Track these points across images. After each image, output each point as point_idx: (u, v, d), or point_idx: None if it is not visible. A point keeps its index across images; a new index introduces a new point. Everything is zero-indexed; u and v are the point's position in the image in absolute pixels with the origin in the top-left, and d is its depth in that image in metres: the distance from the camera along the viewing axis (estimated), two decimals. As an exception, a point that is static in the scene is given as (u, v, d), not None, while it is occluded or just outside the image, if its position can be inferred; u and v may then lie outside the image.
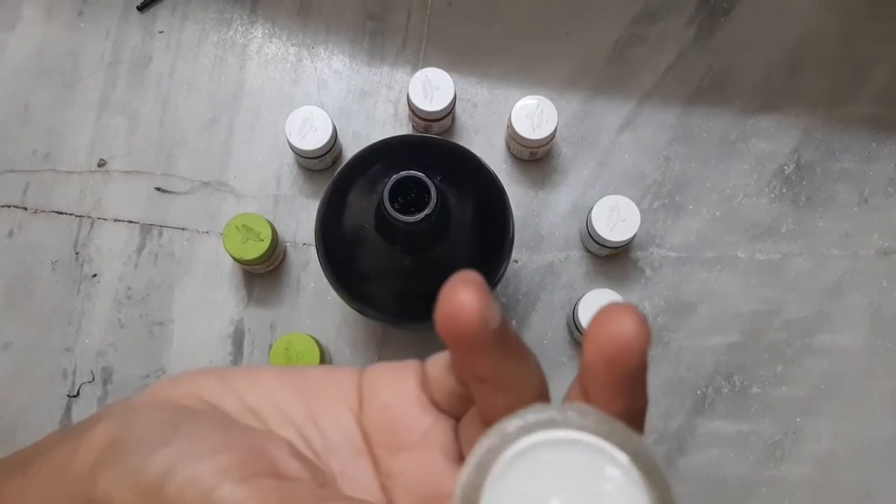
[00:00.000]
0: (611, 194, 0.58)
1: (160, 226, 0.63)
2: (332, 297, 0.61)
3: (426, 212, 0.43)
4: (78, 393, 0.61)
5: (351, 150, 0.64)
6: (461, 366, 0.22)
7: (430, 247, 0.47)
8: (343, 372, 0.26)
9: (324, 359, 0.58)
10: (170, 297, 0.62)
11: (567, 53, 0.65)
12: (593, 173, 0.64)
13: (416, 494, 0.24)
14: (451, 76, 0.59)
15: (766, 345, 0.61)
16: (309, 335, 0.57)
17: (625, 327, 0.20)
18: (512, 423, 0.19)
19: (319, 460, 0.25)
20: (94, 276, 0.62)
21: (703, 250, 0.63)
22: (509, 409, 0.22)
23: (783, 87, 0.65)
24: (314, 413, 0.25)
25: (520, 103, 0.59)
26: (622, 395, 0.21)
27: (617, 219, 0.58)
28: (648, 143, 0.64)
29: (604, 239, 0.58)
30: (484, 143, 0.64)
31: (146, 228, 0.63)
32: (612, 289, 0.60)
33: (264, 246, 0.57)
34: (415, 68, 0.64)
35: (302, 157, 0.61)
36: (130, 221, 0.63)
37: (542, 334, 0.61)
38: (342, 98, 0.65)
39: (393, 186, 0.44)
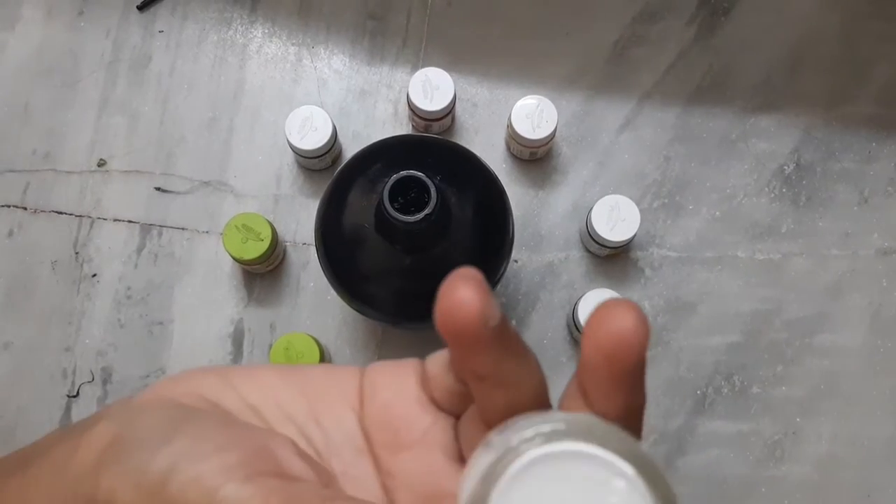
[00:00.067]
0: (611, 194, 0.58)
1: (160, 226, 0.63)
2: (331, 297, 0.61)
3: (426, 211, 0.43)
4: (78, 393, 0.61)
5: (351, 149, 0.64)
6: (460, 364, 0.22)
7: (430, 246, 0.47)
8: (344, 371, 0.26)
9: (323, 359, 0.58)
10: (170, 296, 0.62)
11: (567, 53, 0.65)
12: (593, 173, 0.63)
13: (417, 493, 0.24)
14: (451, 76, 0.59)
15: (766, 345, 0.61)
16: (309, 335, 0.57)
17: (624, 323, 0.20)
18: (516, 436, 0.19)
19: (321, 460, 0.25)
20: (94, 275, 0.62)
21: (703, 250, 0.63)
22: (509, 408, 0.22)
23: (783, 86, 0.65)
24: (316, 412, 0.25)
25: (520, 103, 0.59)
26: (621, 391, 0.21)
27: (617, 218, 0.58)
28: (648, 143, 0.64)
29: (604, 239, 0.58)
30: (484, 142, 0.64)
31: (146, 228, 0.63)
32: (612, 289, 0.60)
33: (264, 246, 0.57)
34: (415, 68, 0.64)
35: (302, 156, 0.61)
36: (130, 221, 0.63)
37: (541, 334, 0.61)
38: (342, 98, 0.65)
39: (393, 186, 0.44)
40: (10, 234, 0.63)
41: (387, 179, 0.44)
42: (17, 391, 0.61)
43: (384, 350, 0.62)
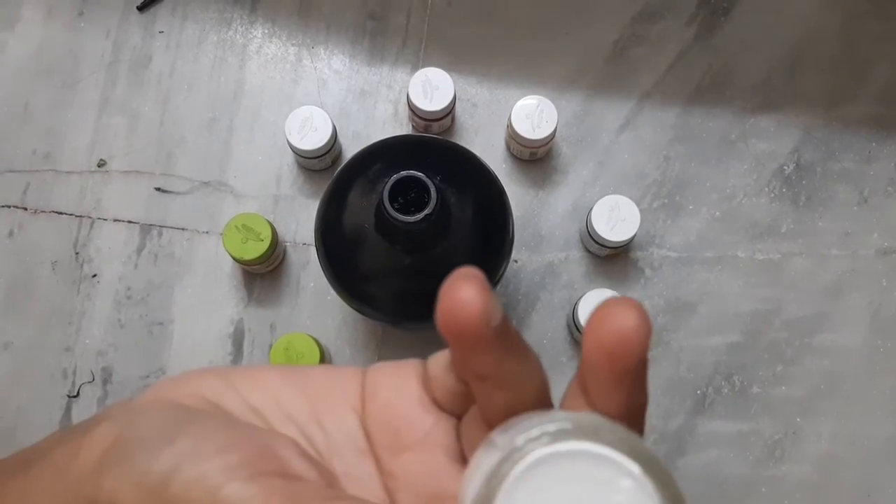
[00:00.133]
0: (611, 194, 0.58)
1: (160, 226, 0.63)
2: (331, 297, 0.61)
3: (426, 211, 0.43)
4: (78, 393, 0.61)
5: (351, 149, 0.64)
6: (462, 363, 0.22)
7: (430, 246, 0.47)
8: (346, 372, 0.26)
9: (324, 359, 0.58)
10: (170, 297, 0.62)
11: (567, 53, 0.65)
12: (593, 173, 0.64)
13: (419, 494, 0.24)
14: (451, 76, 0.59)
15: (766, 344, 0.61)
16: (309, 335, 0.57)
17: (626, 321, 0.20)
18: (521, 436, 0.19)
19: (323, 461, 0.25)
20: (94, 276, 0.62)
21: (703, 250, 0.63)
22: (510, 408, 0.22)
23: (783, 86, 0.65)
24: (317, 413, 0.25)
25: (520, 103, 0.59)
26: (623, 390, 0.21)
27: (617, 219, 0.58)
28: (648, 143, 0.64)
29: (604, 239, 0.58)
30: (484, 142, 0.64)
31: (146, 228, 0.63)
32: (612, 289, 0.60)
33: (264, 246, 0.57)
34: (415, 68, 0.64)
35: (302, 156, 0.61)
36: (130, 221, 0.63)
37: (541, 334, 0.61)
38: (342, 98, 0.65)
39: (393, 186, 0.44)
40: (11, 234, 0.63)
41: (387, 179, 0.44)
42: (18, 391, 0.61)
43: (384, 350, 0.62)
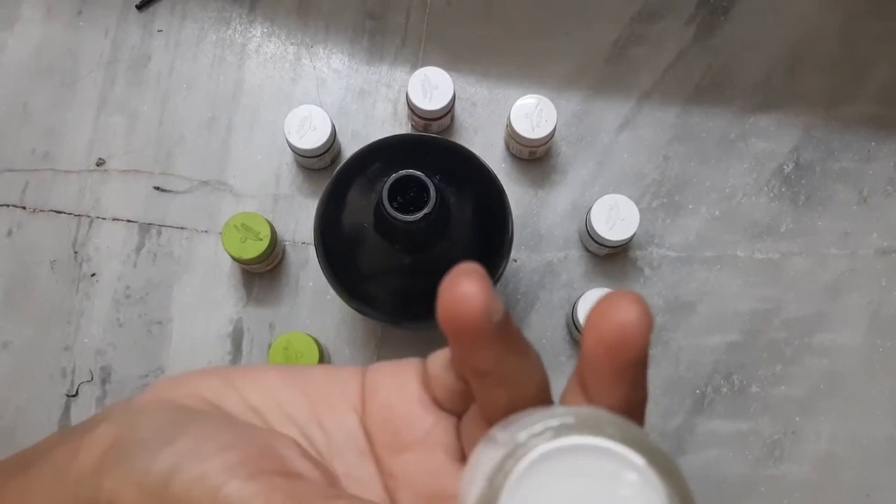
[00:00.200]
0: (610, 193, 0.58)
1: (159, 225, 0.63)
2: (331, 297, 0.60)
3: (425, 211, 0.43)
4: (77, 392, 0.61)
5: (350, 149, 0.64)
6: (462, 360, 0.22)
7: (430, 246, 0.47)
8: (346, 372, 0.26)
9: (323, 358, 0.58)
10: (169, 296, 0.62)
11: (566, 53, 0.65)
12: (592, 172, 0.63)
13: (419, 494, 0.24)
14: (451, 75, 0.59)
15: (766, 344, 0.61)
16: (308, 334, 0.57)
17: (627, 315, 0.20)
18: (524, 431, 0.19)
19: (323, 461, 0.25)
20: (93, 275, 0.62)
21: (703, 249, 0.63)
22: (510, 404, 0.22)
23: (783, 86, 0.65)
24: (318, 413, 0.25)
25: (519, 102, 0.59)
26: (623, 385, 0.21)
27: (616, 218, 0.58)
28: (648, 143, 0.64)
29: (603, 238, 0.58)
30: (483, 142, 0.64)
31: (145, 228, 0.63)
32: (612, 288, 0.60)
33: (263, 245, 0.57)
34: (414, 67, 0.64)
35: (301, 156, 0.61)
36: (129, 221, 0.63)
37: (541, 334, 0.61)
38: (341, 97, 0.65)
39: (392, 185, 0.43)
40: (9, 233, 0.63)
41: (386, 179, 0.44)
42: (17, 391, 0.61)
43: (383, 349, 0.62)
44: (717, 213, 0.63)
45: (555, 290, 0.62)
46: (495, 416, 0.22)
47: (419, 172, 0.44)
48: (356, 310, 0.53)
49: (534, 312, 0.62)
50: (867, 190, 0.64)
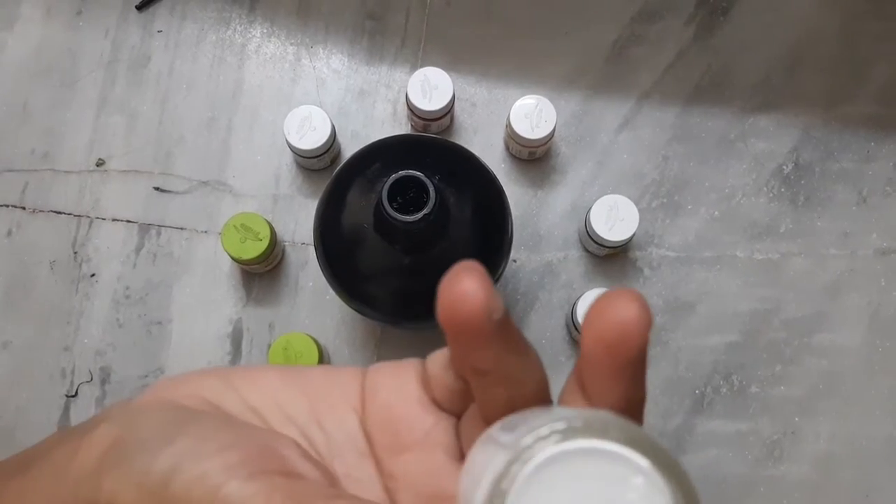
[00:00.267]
0: (609, 194, 0.58)
1: (159, 225, 0.63)
2: (330, 297, 0.60)
3: (425, 211, 0.43)
4: (76, 393, 0.61)
5: (350, 149, 0.64)
6: (461, 359, 0.22)
7: (429, 246, 0.47)
8: (346, 372, 0.26)
9: (322, 358, 0.58)
10: (168, 296, 0.62)
11: (566, 53, 0.65)
12: (592, 173, 0.63)
13: (419, 494, 0.24)
14: (450, 75, 0.59)
15: (765, 344, 0.61)
16: (307, 335, 0.57)
17: (626, 312, 0.20)
18: (530, 435, 0.19)
19: (323, 462, 0.25)
20: (93, 275, 0.62)
21: (702, 250, 0.63)
22: (509, 403, 0.22)
23: (782, 86, 0.65)
24: (318, 414, 0.25)
25: (518, 103, 0.59)
26: (622, 383, 0.20)
27: (615, 218, 0.58)
28: (647, 143, 0.64)
29: (602, 238, 0.58)
30: (483, 142, 0.64)
31: (144, 228, 0.63)
32: (611, 288, 0.60)
33: (263, 245, 0.57)
34: (413, 67, 0.64)
35: (300, 156, 0.61)
36: (129, 221, 0.63)
37: (540, 334, 0.61)
38: (341, 97, 0.65)
39: (391, 186, 0.44)
40: (9, 233, 0.63)
41: (385, 179, 0.44)
42: (16, 391, 0.61)
43: (383, 350, 0.62)
44: (716, 213, 0.63)
45: (554, 291, 0.62)
46: (494, 415, 0.22)
47: (419, 173, 0.44)
48: (356, 310, 0.53)
49: (533, 313, 0.62)
50: (866, 190, 0.64)
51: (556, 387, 0.23)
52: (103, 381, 0.61)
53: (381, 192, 0.44)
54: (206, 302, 0.62)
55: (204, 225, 0.63)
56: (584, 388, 0.21)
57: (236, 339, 0.62)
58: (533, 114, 0.59)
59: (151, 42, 0.65)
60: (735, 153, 0.64)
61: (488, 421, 0.22)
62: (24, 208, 0.63)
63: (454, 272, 0.20)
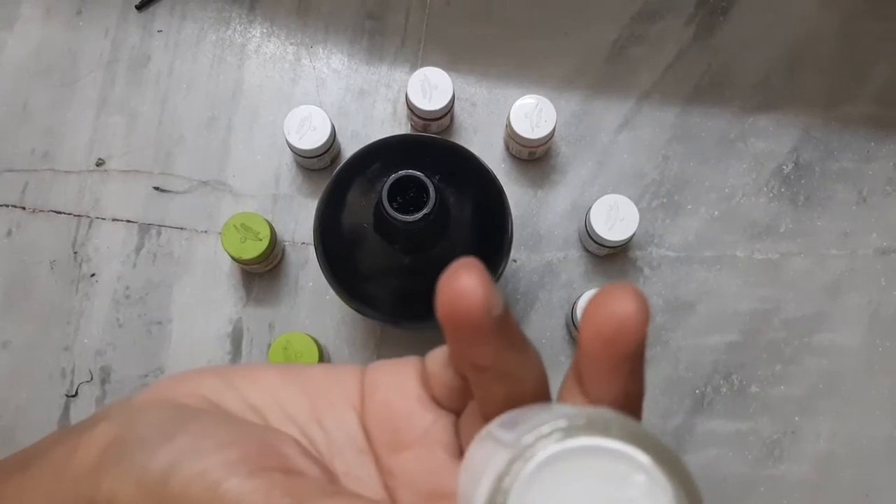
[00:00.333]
0: (609, 193, 0.58)
1: (158, 225, 0.63)
2: (330, 297, 0.60)
3: (425, 211, 0.43)
4: (76, 392, 0.61)
5: (349, 149, 0.64)
6: (461, 355, 0.22)
7: (429, 246, 0.47)
8: (346, 370, 0.26)
9: (322, 358, 0.58)
10: (168, 296, 0.62)
11: (566, 53, 0.65)
12: (592, 172, 0.64)
13: (419, 492, 0.24)
14: (450, 75, 0.59)
15: (765, 344, 0.61)
16: (307, 334, 0.57)
17: (624, 307, 0.20)
18: (532, 433, 0.19)
19: (323, 460, 0.25)
20: (93, 275, 0.62)
21: (702, 249, 0.63)
22: (509, 400, 0.22)
23: (782, 86, 0.65)
24: (317, 412, 0.25)
25: (518, 102, 0.59)
26: (620, 378, 0.20)
27: (615, 218, 0.58)
28: (647, 143, 0.64)
29: (602, 238, 0.58)
30: (483, 142, 0.64)
31: (144, 228, 0.63)
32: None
33: (263, 245, 0.57)
34: (413, 67, 0.64)
35: (300, 156, 0.61)
36: (129, 221, 0.63)
37: (540, 334, 0.61)
38: (341, 97, 0.65)
39: (391, 186, 0.44)
40: (9, 233, 0.63)
41: (385, 179, 0.44)
42: (16, 391, 0.61)
43: (383, 349, 0.62)
44: (716, 213, 0.63)
45: (554, 290, 0.62)
46: (494, 412, 0.22)
47: (419, 173, 0.44)
48: (356, 310, 0.53)
49: (533, 312, 0.62)
50: (866, 190, 0.64)
51: (555, 387, 0.23)
52: (103, 381, 0.61)
53: (381, 191, 0.44)
54: (206, 302, 0.62)
55: (204, 225, 0.63)
56: (582, 384, 0.21)
57: (236, 338, 0.62)
58: (533, 114, 0.59)
59: (151, 42, 0.65)
60: (735, 153, 0.64)
61: (488, 418, 0.22)
62: (24, 208, 0.63)
63: (453, 269, 0.20)
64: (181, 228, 0.63)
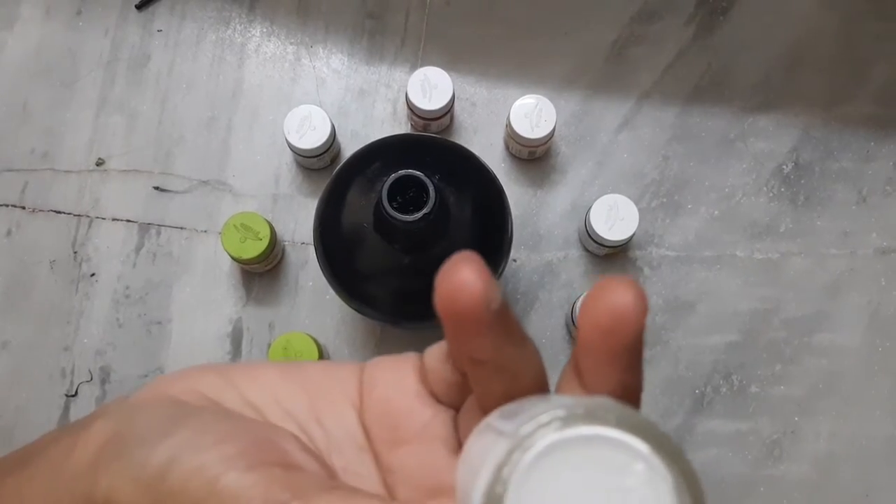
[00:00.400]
0: (609, 193, 0.58)
1: (158, 225, 0.63)
2: (330, 296, 0.60)
3: (425, 211, 0.43)
4: (76, 392, 0.61)
5: (349, 149, 0.64)
6: (459, 349, 0.22)
7: (429, 246, 0.47)
8: (345, 368, 0.26)
9: (322, 358, 0.58)
10: (168, 296, 0.62)
11: (566, 52, 0.65)
12: (592, 172, 0.63)
13: (418, 487, 0.24)
14: (450, 75, 0.59)
15: (765, 344, 0.61)
16: (307, 334, 0.57)
17: (622, 298, 0.20)
18: (531, 423, 0.19)
19: (322, 456, 0.25)
20: (93, 275, 0.62)
21: (702, 249, 0.63)
22: (507, 394, 0.22)
23: (782, 86, 0.65)
24: (316, 409, 0.25)
25: (518, 102, 0.59)
26: (618, 369, 0.20)
27: (615, 218, 0.58)
28: (647, 143, 0.64)
29: (602, 238, 0.58)
30: (482, 142, 0.64)
31: (144, 227, 0.63)
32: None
33: (263, 245, 0.57)
34: (413, 67, 0.64)
35: (300, 155, 0.61)
36: (129, 220, 0.63)
37: (540, 333, 0.61)
38: (341, 97, 0.65)
39: (391, 185, 0.43)
40: (9, 233, 0.63)
41: (385, 179, 0.44)
42: (16, 391, 0.61)
43: (383, 349, 0.62)
44: (716, 212, 0.63)
45: (554, 290, 0.62)
46: (492, 406, 0.22)
47: (418, 172, 0.44)
48: (355, 310, 0.53)
49: (533, 312, 0.62)
50: (866, 190, 0.64)
51: (553, 384, 0.23)
52: (103, 381, 0.61)
53: (380, 191, 0.44)
54: (205, 301, 0.62)
55: (204, 224, 0.63)
56: (580, 376, 0.21)
57: (236, 338, 0.62)
58: (533, 113, 0.59)
59: (151, 41, 0.65)
60: (735, 153, 0.64)
61: (486, 412, 0.22)
62: (23, 208, 0.63)
63: (452, 262, 0.20)
64: (181, 228, 0.63)
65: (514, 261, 0.62)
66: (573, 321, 0.59)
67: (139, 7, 0.66)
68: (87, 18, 0.66)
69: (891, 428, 0.61)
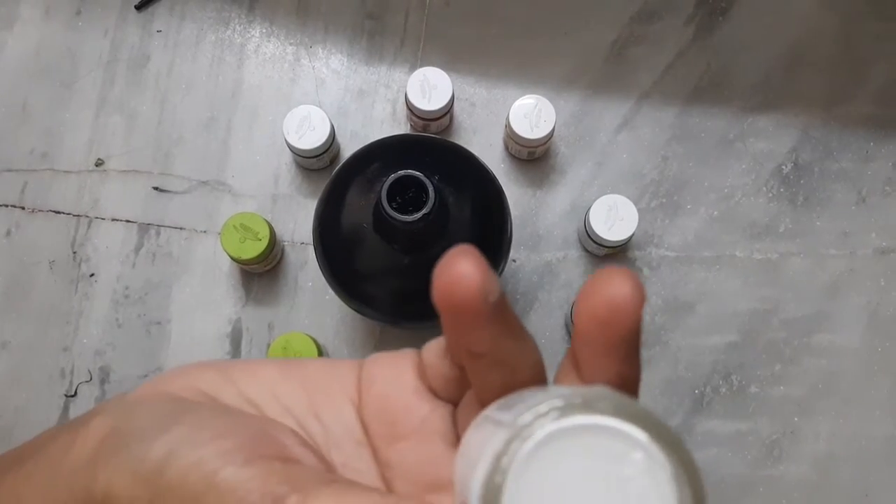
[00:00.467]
0: (609, 194, 0.58)
1: (158, 225, 0.63)
2: (329, 297, 0.60)
3: (424, 211, 0.43)
4: (76, 393, 0.61)
5: (349, 149, 0.64)
6: (457, 342, 0.22)
7: (429, 246, 0.47)
8: (343, 364, 0.26)
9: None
10: (167, 296, 0.62)
11: (565, 53, 0.65)
12: (591, 173, 0.64)
13: (416, 482, 0.24)
14: (450, 75, 0.59)
15: (765, 344, 0.61)
16: (307, 334, 0.57)
17: (619, 289, 0.20)
18: (529, 412, 0.19)
19: (320, 451, 0.25)
20: (92, 275, 0.62)
21: (701, 250, 0.63)
22: (505, 387, 0.22)
23: (781, 86, 0.65)
24: (315, 406, 0.25)
25: (518, 102, 0.59)
26: (616, 360, 0.21)
27: (615, 218, 0.58)
28: (647, 143, 0.64)
29: (602, 238, 0.58)
30: (482, 142, 0.64)
31: (144, 228, 0.63)
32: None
33: (262, 245, 0.57)
34: (413, 67, 0.64)
35: (300, 156, 0.61)
36: (128, 221, 0.63)
37: (539, 333, 0.61)
38: (340, 97, 0.65)
39: (391, 186, 0.44)
40: (8, 233, 0.63)
41: (385, 179, 0.44)
42: (16, 391, 0.61)
43: (382, 349, 0.61)
44: (715, 213, 0.63)
45: (553, 291, 0.62)
46: (491, 399, 0.22)
47: (418, 173, 0.44)
48: (355, 310, 0.53)
49: (533, 312, 0.62)
50: (866, 190, 0.64)
51: (551, 379, 0.23)
52: (102, 381, 0.61)
53: (380, 191, 0.44)
54: (205, 302, 0.62)
55: (203, 225, 0.63)
56: (578, 367, 0.21)
57: (235, 338, 0.62)
58: (532, 114, 0.59)
59: (150, 42, 0.65)
60: (734, 153, 0.64)
61: (485, 406, 0.22)
62: (23, 208, 0.63)
63: (450, 255, 0.20)
64: (180, 228, 0.63)
65: (514, 261, 0.62)
66: (572, 321, 0.59)
67: (139, 7, 0.66)
68: (86, 19, 0.66)
69: (890, 428, 0.61)
